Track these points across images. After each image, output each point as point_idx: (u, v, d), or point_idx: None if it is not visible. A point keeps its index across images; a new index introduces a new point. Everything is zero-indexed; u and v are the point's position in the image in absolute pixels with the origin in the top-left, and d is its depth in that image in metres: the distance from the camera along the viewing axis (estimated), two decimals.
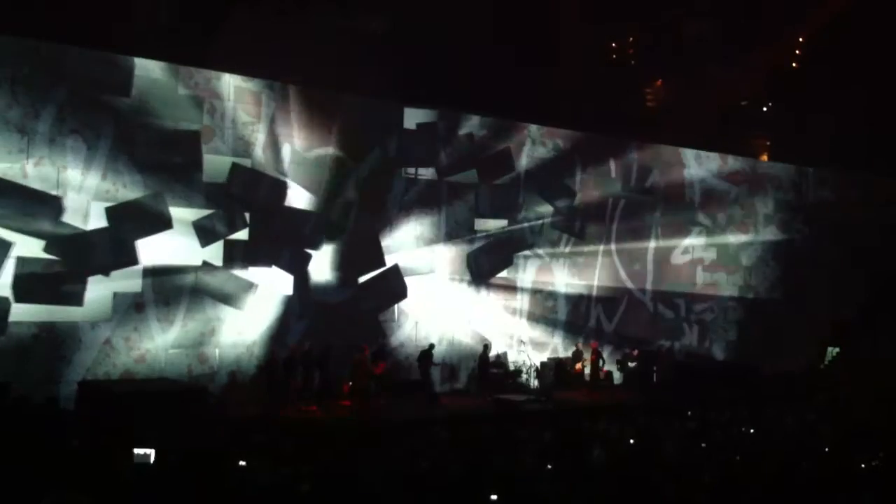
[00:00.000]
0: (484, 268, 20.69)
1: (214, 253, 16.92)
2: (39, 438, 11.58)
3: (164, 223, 16.11)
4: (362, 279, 18.88)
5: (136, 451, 10.67)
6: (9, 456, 10.58)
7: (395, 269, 19.03)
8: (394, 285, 19.08)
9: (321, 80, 18.21)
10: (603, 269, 22.81)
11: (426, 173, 19.89)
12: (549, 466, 11.42)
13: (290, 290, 17.94)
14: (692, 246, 24.72)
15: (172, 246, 16.38)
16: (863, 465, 12.38)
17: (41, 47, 15.14)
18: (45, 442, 11.45)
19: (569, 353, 21.57)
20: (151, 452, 10.56)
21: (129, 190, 15.96)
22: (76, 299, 15.42)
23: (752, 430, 15.33)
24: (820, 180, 27.32)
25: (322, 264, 18.38)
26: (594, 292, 22.70)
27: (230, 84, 17.21)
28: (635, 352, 22.09)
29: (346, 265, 18.66)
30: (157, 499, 9.70)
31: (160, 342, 16.36)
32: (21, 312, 14.90)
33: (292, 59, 17.79)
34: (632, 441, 13.71)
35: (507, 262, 21.08)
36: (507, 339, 20.98)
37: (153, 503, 9.72)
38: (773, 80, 26.53)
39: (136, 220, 15.88)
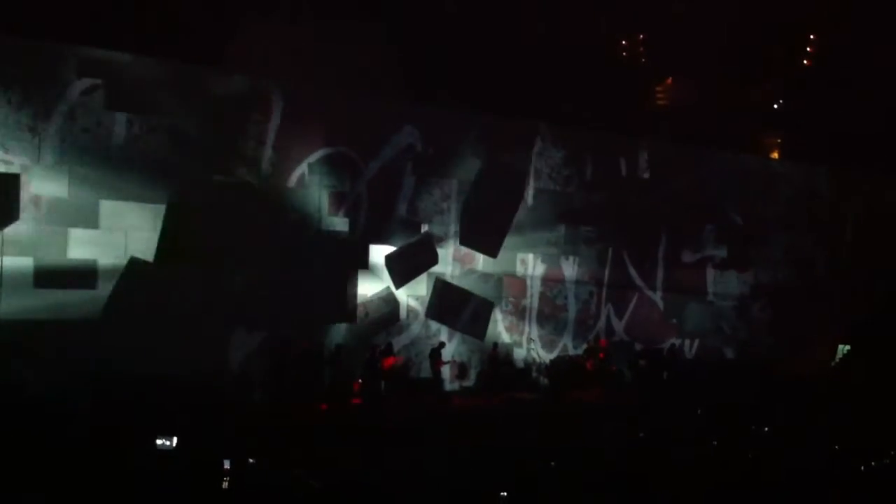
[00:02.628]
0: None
1: None
2: (51, 435, 11.68)
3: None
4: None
5: (159, 440, 10.80)
6: (24, 454, 10.70)
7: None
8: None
9: (330, 80, 18.21)
10: (613, 267, 22.77)
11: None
12: (553, 464, 11.45)
13: None
14: (703, 244, 24.65)
15: None
16: (873, 464, 12.34)
17: (49, 48, 15.19)
18: (56, 439, 11.56)
19: (579, 351, 21.57)
20: (174, 439, 10.65)
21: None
22: None
23: (765, 429, 15.30)
24: (833, 179, 27.15)
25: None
26: (604, 290, 22.67)
27: (241, 84, 17.24)
28: (644, 350, 22.01)
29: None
30: (169, 495, 9.77)
31: (173, 338, 16.40)
32: (31, 307, 14.94)
33: (302, 59, 17.83)
34: (641, 438, 13.72)
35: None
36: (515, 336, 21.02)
37: (165, 499, 9.80)
38: (787, 78, 26.37)
39: None
